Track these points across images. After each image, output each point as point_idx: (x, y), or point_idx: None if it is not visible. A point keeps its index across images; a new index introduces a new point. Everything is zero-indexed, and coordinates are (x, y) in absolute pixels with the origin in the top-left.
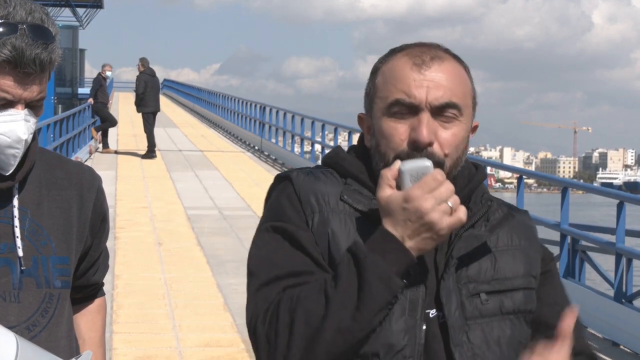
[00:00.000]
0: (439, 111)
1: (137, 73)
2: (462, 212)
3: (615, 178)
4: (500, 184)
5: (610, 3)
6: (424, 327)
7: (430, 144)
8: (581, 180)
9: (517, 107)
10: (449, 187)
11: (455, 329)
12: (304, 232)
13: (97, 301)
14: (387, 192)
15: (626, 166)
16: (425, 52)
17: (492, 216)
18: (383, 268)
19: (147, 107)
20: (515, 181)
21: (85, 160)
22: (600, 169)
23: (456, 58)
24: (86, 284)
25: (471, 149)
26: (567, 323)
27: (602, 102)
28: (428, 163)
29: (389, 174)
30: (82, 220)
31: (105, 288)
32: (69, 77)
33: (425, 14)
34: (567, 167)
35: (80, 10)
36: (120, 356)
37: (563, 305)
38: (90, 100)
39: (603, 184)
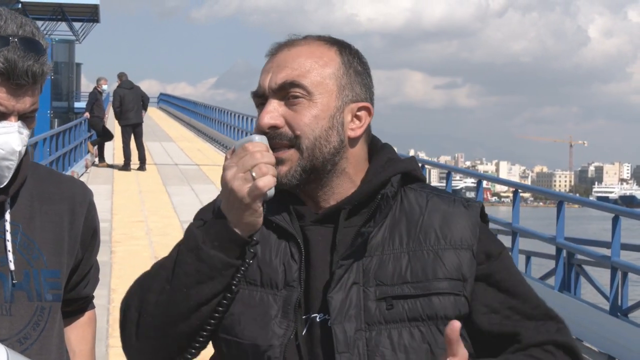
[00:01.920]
0: (283, 93)
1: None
2: (261, 181)
3: (611, 192)
4: (496, 197)
5: (606, 17)
6: (297, 330)
7: (276, 127)
8: (577, 194)
9: (513, 121)
10: (256, 156)
11: (341, 334)
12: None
13: (88, 314)
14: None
15: (622, 180)
16: (285, 41)
17: (402, 210)
18: (194, 239)
19: (127, 120)
20: (511, 195)
21: (82, 175)
22: (596, 182)
23: (327, 41)
24: (77, 297)
25: (467, 163)
26: (451, 330)
27: (598, 116)
28: (256, 137)
29: (228, 153)
30: (73, 234)
31: (101, 302)
32: (65, 91)
33: (422, 28)
34: (563, 181)
35: (77, 25)
36: None
37: (501, 310)
38: (87, 114)
39: (599, 198)
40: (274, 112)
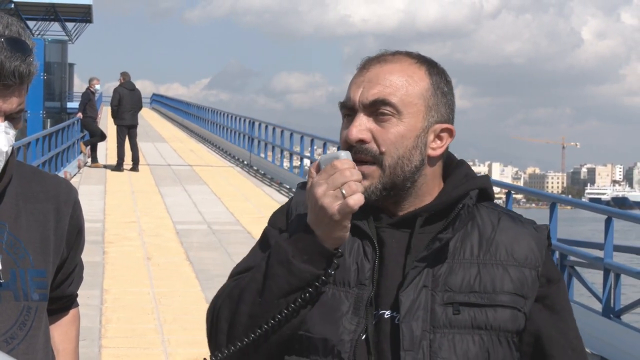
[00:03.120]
0: (373, 109)
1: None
2: (352, 199)
3: (604, 193)
4: None
5: (599, 19)
6: (367, 326)
7: (363, 141)
8: (569, 196)
9: (506, 122)
10: (346, 174)
11: (408, 333)
12: (278, 231)
13: (72, 312)
14: (308, 184)
15: (614, 182)
16: (376, 56)
17: (474, 224)
18: (284, 253)
19: (122, 120)
20: (503, 196)
21: (74, 175)
22: (589, 184)
23: (417, 59)
24: (61, 295)
25: None
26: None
27: (590, 117)
28: (342, 154)
29: (311, 167)
30: (59, 233)
31: (93, 302)
32: (58, 92)
33: (416, 30)
34: (555, 183)
35: (70, 25)
36: None
37: (558, 338)
38: (79, 115)
39: (591, 200)
40: (362, 127)
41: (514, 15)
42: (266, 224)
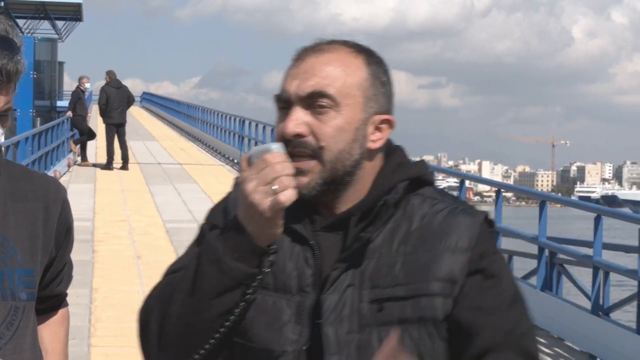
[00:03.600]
0: (310, 101)
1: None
2: (283, 195)
3: (593, 192)
4: (478, 197)
5: (590, 18)
6: (310, 335)
7: (300, 135)
8: (559, 194)
9: (497, 121)
10: (277, 168)
11: (332, 336)
12: (213, 228)
13: (61, 312)
14: (239, 178)
15: (604, 180)
16: (312, 46)
17: (405, 216)
18: (215, 251)
19: (110, 119)
20: (493, 195)
21: (64, 174)
22: (578, 182)
23: (353, 49)
24: (50, 294)
25: (450, 163)
26: (387, 346)
27: (580, 116)
28: (273, 146)
29: (241, 161)
30: (47, 232)
31: (83, 301)
32: (47, 90)
33: (407, 28)
34: (545, 181)
35: (60, 23)
36: None
37: (488, 311)
38: (69, 113)
39: (581, 198)
40: (299, 121)
41: (504, 14)
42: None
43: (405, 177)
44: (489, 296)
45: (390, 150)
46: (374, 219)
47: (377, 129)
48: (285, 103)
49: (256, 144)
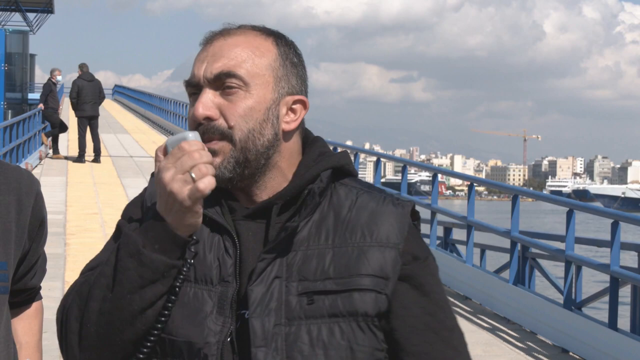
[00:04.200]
0: (219, 83)
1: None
2: (202, 183)
3: (565, 186)
4: (451, 191)
5: (561, 13)
6: (231, 326)
7: (211, 119)
8: (531, 188)
9: (468, 115)
10: (194, 156)
11: (259, 328)
12: (131, 223)
13: (35, 305)
14: (155, 169)
15: (575, 174)
16: (220, 30)
17: (330, 206)
18: (134, 244)
19: (83, 112)
20: (465, 189)
21: (36, 166)
22: (550, 177)
23: (262, 31)
24: (23, 288)
25: (422, 157)
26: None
27: (552, 110)
28: (189, 134)
29: (157, 151)
30: (20, 225)
31: (55, 295)
32: (19, 82)
33: (380, 22)
34: (517, 175)
35: (31, 15)
36: None
37: (414, 321)
38: (41, 106)
39: (552, 192)
40: (209, 103)
41: (476, 8)
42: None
43: (328, 166)
44: (422, 301)
45: (311, 141)
46: (299, 208)
47: (291, 110)
48: (195, 88)
49: None
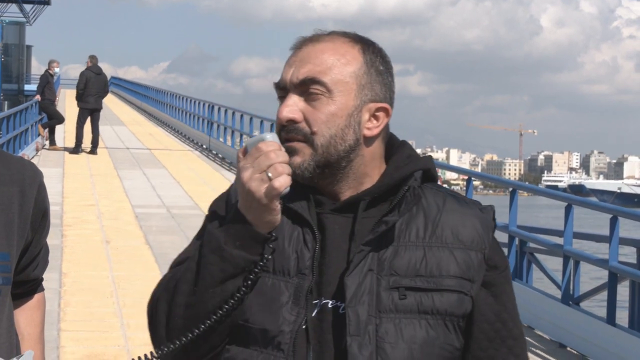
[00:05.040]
0: (304, 88)
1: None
2: (277, 181)
3: (560, 181)
4: (446, 185)
5: (558, 7)
6: (307, 316)
7: (295, 121)
8: (527, 183)
9: (464, 109)
10: (271, 156)
11: (354, 317)
12: (217, 219)
13: (37, 296)
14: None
15: (571, 169)
16: (310, 36)
17: (420, 206)
18: (216, 240)
19: (86, 104)
20: (461, 182)
21: (32, 157)
22: (546, 171)
23: (351, 38)
24: (26, 279)
25: (417, 150)
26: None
27: (548, 105)
28: (267, 135)
29: (239, 152)
30: (23, 216)
31: (52, 286)
32: (15, 74)
33: (377, 16)
34: (512, 170)
35: (27, 7)
36: (67, 354)
37: (487, 327)
38: (38, 97)
39: (548, 187)
40: (294, 107)
41: (473, 2)
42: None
43: (419, 167)
44: (496, 309)
45: (397, 144)
46: (398, 204)
47: (374, 116)
48: (282, 91)
49: (225, 129)
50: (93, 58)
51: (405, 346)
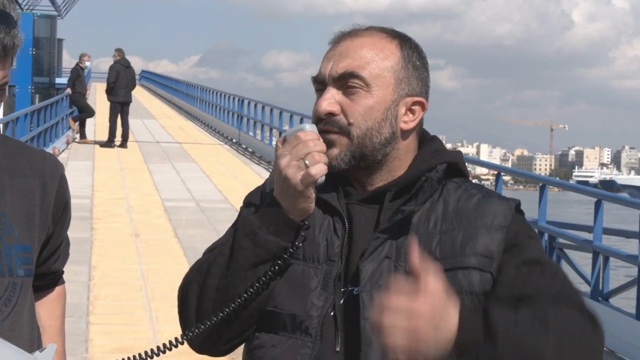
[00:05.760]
0: (342, 82)
1: (112, 62)
2: (314, 169)
3: (591, 176)
4: (476, 180)
5: (590, 2)
6: (335, 302)
7: (333, 114)
8: (557, 178)
9: (495, 104)
10: (309, 145)
11: (368, 301)
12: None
13: (57, 289)
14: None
15: (602, 164)
16: (349, 31)
17: (441, 198)
18: (250, 225)
19: (116, 97)
20: (491, 178)
21: (63, 151)
22: (577, 167)
23: (389, 34)
24: (47, 272)
25: (448, 145)
26: (412, 257)
27: (579, 100)
28: (306, 126)
29: (278, 141)
30: (44, 209)
31: (81, 279)
32: (46, 67)
33: (408, 10)
34: (543, 165)
35: (59, 0)
36: (96, 347)
37: (513, 270)
38: (68, 90)
39: (579, 182)
40: (332, 100)
41: None
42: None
43: (443, 160)
44: (529, 272)
45: (429, 138)
46: (415, 194)
47: (410, 110)
48: (320, 84)
49: (255, 123)
50: (120, 51)
51: None
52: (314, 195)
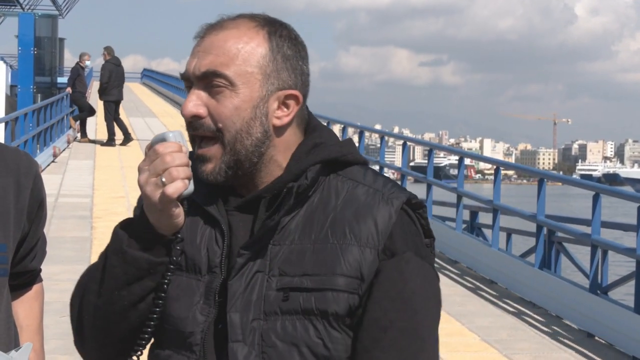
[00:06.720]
0: (207, 81)
1: (103, 62)
2: (170, 188)
3: (595, 170)
4: (480, 175)
5: None
6: (215, 316)
7: (199, 117)
8: (560, 172)
9: (498, 99)
10: (166, 160)
11: (236, 322)
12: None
13: (35, 288)
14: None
15: (605, 158)
16: (215, 22)
17: (320, 200)
18: (119, 242)
19: (109, 96)
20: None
21: (63, 150)
22: (580, 160)
23: (257, 22)
24: (23, 270)
25: (451, 140)
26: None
27: (582, 94)
28: (169, 134)
29: (146, 148)
30: (19, 207)
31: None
32: (48, 66)
33: (410, 5)
34: (546, 159)
35: None
36: None
37: (379, 295)
38: (68, 89)
39: (582, 176)
40: (197, 101)
41: None
42: None
43: (317, 160)
44: (390, 306)
45: (310, 130)
46: (279, 206)
47: (284, 104)
48: (189, 82)
49: None
50: (109, 50)
51: (295, 348)
52: (178, 211)
